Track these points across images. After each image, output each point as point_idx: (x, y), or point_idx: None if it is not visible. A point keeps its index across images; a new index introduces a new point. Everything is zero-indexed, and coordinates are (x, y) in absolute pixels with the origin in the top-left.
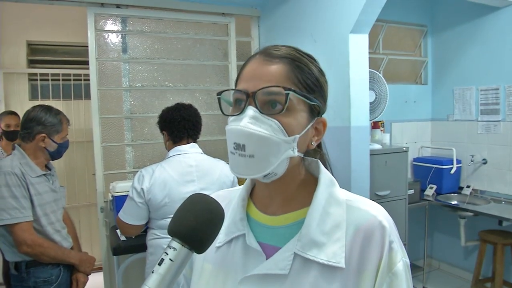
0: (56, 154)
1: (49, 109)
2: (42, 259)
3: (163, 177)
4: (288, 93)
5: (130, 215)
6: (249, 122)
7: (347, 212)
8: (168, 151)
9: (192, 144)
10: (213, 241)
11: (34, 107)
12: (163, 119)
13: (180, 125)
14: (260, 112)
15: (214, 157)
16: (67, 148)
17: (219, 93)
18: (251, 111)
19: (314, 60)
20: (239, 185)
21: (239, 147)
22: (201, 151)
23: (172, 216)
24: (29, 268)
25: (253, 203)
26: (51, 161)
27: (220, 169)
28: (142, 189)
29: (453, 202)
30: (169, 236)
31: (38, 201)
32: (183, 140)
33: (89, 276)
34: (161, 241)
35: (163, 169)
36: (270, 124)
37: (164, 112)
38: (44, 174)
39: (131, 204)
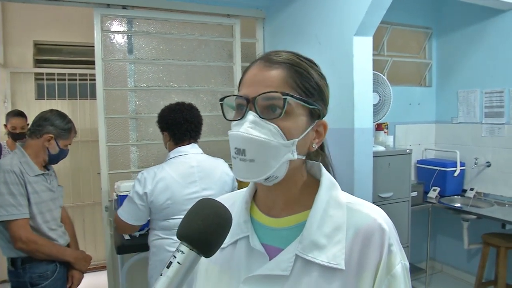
0: (54, 159)
1: (63, 116)
2: (36, 255)
3: (165, 180)
4: (286, 98)
5: (130, 215)
6: (249, 127)
7: (347, 215)
8: (169, 151)
9: (193, 144)
10: (221, 245)
11: (51, 110)
12: (164, 120)
13: (183, 127)
14: (260, 117)
15: (218, 158)
16: (65, 157)
17: (222, 99)
18: (251, 116)
19: (315, 64)
20: (237, 183)
21: (240, 152)
22: (201, 151)
23: (174, 217)
24: (24, 264)
25: (256, 205)
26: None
27: (221, 168)
28: (145, 193)
29: (456, 205)
30: (171, 237)
31: (34, 200)
32: (184, 141)
33: (84, 274)
34: (163, 241)
35: (165, 171)
36: (269, 129)
37: (165, 113)
38: (42, 174)
39: (131, 206)
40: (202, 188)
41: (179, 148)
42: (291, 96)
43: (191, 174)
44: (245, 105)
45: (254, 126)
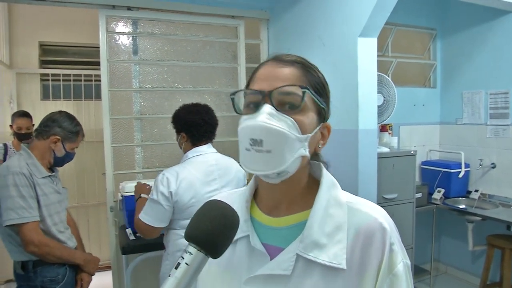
0: (60, 161)
1: (72, 118)
2: (48, 259)
3: (188, 178)
4: (305, 91)
5: (155, 218)
6: (267, 118)
7: (348, 214)
8: (185, 152)
9: (209, 144)
10: (228, 245)
11: (60, 111)
12: (182, 121)
13: (202, 129)
14: (276, 109)
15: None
16: (71, 160)
17: (233, 93)
18: (267, 108)
19: (319, 71)
20: (249, 180)
21: (256, 142)
22: (215, 150)
23: None
24: (36, 267)
25: (256, 204)
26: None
27: (235, 166)
28: (170, 192)
29: (461, 206)
30: None
31: (44, 202)
32: (202, 142)
33: (93, 276)
34: (184, 241)
35: (187, 170)
36: (285, 121)
37: (182, 114)
38: (49, 176)
39: (156, 208)
40: (222, 186)
41: (197, 148)
42: (309, 90)
43: (212, 172)
44: (259, 100)
45: (271, 117)
